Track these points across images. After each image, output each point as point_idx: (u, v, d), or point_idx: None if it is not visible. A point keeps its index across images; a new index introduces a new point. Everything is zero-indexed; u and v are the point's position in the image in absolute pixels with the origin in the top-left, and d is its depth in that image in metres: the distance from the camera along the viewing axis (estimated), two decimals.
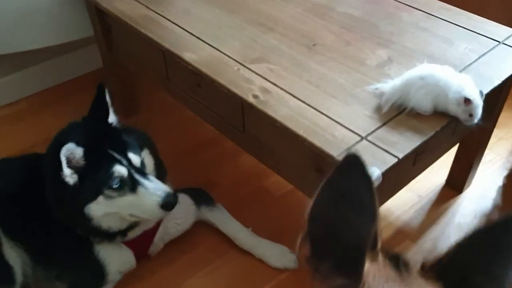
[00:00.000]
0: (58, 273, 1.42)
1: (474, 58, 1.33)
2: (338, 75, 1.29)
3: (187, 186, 1.65)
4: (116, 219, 1.31)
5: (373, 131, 1.11)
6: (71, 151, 1.18)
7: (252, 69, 1.31)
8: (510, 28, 1.44)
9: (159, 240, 1.49)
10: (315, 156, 1.13)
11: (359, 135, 1.11)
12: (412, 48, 1.37)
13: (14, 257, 1.38)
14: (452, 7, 1.54)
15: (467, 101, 1.11)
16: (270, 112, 1.17)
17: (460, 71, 1.26)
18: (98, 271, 1.39)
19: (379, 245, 0.57)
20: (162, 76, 1.59)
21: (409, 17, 1.51)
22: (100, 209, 1.26)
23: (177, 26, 1.49)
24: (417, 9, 1.54)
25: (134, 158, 1.27)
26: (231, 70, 1.32)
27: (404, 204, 1.69)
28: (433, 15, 1.50)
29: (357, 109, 1.18)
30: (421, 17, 1.50)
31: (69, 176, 1.20)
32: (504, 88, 1.40)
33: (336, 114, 1.16)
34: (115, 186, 1.23)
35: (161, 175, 1.41)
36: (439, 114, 1.16)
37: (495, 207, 1.70)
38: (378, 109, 1.17)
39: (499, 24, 1.46)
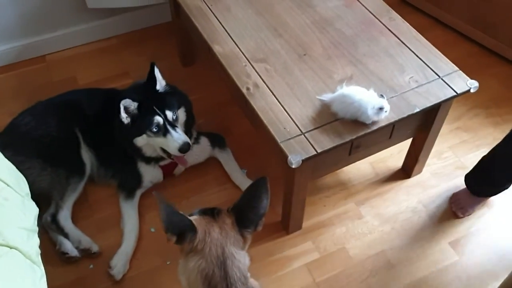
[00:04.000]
0: (113, 174, 2.18)
1: (411, 87, 1.81)
2: (309, 83, 1.84)
3: (211, 129, 2.32)
4: (152, 150, 2.01)
5: (310, 130, 1.68)
6: (128, 103, 1.87)
7: (255, 67, 1.89)
8: (455, 67, 1.88)
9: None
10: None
11: (301, 131, 1.68)
12: (372, 70, 1.88)
13: (87, 157, 2.13)
14: (423, 39, 1.99)
15: (381, 108, 1.65)
16: (252, 102, 1.77)
17: (394, 96, 1.78)
18: (137, 177, 2.12)
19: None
20: (205, 48, 2.17)
21: (385, 42, 1.98)
22: (142, 142, 1.97)
23: (217, 20, 2.07)
24: (395, 35, 2.00)
25: (169, 114, 1.93)
26: (240, 65, 1.90)
27: (363, 176, 2.25)
28: (404, 43, 1.96)
29: (309, 111, 1.74)
30: (394, 44, 1.97)
31: (124, 118, 1.89)
32: (440, 109, 1.88)
33: (294, 113, 1.73)
34: (154, 130, 1.92)
35: (190, 124, 2.09)
36: (358, 126, 1.69)
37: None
38: (321, 114, 1.73)
39: (449, 61, 1.90)
